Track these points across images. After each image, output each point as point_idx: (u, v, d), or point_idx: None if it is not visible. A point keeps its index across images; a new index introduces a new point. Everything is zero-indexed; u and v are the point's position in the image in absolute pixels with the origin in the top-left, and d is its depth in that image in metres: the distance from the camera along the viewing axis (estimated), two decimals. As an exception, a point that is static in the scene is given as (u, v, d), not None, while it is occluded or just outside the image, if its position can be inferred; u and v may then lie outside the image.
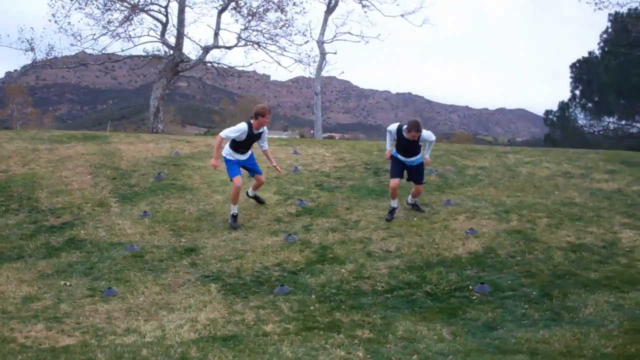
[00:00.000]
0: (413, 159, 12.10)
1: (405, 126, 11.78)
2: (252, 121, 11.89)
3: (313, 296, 9.03)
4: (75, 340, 7.53)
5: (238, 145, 12.03)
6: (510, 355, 6.74)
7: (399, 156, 12.16)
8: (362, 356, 6.84)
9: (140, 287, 9.47)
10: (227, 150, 12.16)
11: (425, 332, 7.60)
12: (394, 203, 12.19)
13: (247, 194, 13.08)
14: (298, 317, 8.24)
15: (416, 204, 12.61)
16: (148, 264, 10.48)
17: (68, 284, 9.69)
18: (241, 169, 12.33)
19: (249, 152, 12.35)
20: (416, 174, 12.24)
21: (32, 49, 30.52)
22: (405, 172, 12.31)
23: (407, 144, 11.92)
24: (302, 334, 7.59)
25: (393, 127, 12.19)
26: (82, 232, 12.06)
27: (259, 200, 13.14)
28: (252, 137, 12.00)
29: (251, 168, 12.51)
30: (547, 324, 7.73)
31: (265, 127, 12.19)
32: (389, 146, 12.31)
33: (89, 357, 6.85)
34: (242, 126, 11.85)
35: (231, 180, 12.14)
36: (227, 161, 12.18)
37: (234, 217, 12.13)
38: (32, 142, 18.29)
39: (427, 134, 11.88)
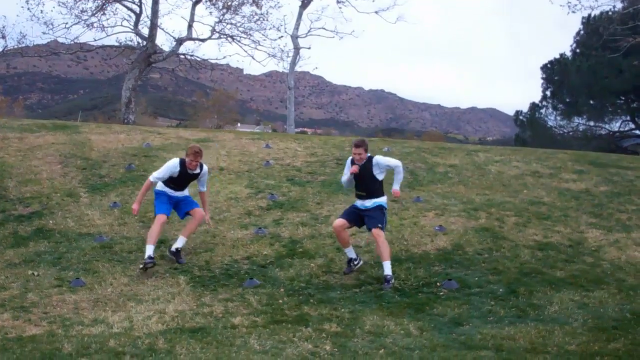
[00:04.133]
0: (370, 202, 9.67)
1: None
2: (186, 158, 10.26)
3: (282, 290, 9.06)
4: (42, 330, 7.49)
5: (170, 182, 10.38)
6: (475, 350, 6.81)
7: (355, 203, 9.92)
8: (329, 350, 6.88)
9: (109, 278, 9.43)
10: (159, 185, 10.47)
11: (392, 326, 7.66)
12: (349, 252, 9.78)
13: (168, 249, 10.56)
14: (266, 310, 8.27)
15: (388, 279, 9.28)
16: (117, 255, 10.44)
17: (36, 273, 9.63)
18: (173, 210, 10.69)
19: (186, 191, 10.71)
20: (370, 217, 9.64)
21: (4, 37, 30.24)
22: (359, 218, 9.83)
23: (361, 177, 9.69)
24: (270, 327, 7.62)
25: (349, 159, 9.89)
26: (51, 222, 11.97)
27: (178, 259, 10.30)
28: (187, 176, 10.43)
29: (185, 208, 10.64)
30: (512, 320, 7.82)
31: (205, 168, 10.62)
32: (343, 179, 10.09)
33: (55, 347, 6.82)
34: (173, 162, 10.31)
35: (155, 215, 10.44)
36: (157, 194, 10.55)
37: (149, 259, 9.81)
38: (2, 130, 18.08)
39: (385, 160, 9.84)
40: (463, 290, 8.92)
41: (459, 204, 12.62)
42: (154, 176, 10.26)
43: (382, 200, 9.72)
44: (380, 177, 9.72)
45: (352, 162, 9.70)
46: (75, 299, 8.59)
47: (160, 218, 10.19)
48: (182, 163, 10.22)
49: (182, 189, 10.54)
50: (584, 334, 7.28)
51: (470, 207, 12.42)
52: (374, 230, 9.43)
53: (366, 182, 9.69)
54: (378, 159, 9.74)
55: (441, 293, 8.88)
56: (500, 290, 8.90)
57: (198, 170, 10.40)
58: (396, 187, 9.77)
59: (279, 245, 10.85)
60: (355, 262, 9.75)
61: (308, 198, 13.20)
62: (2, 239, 11.27)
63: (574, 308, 8.22)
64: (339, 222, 9.66)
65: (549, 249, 10.52)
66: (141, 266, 9.72)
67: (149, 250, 9.88)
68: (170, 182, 10.35)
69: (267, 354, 6.73)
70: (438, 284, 9.18)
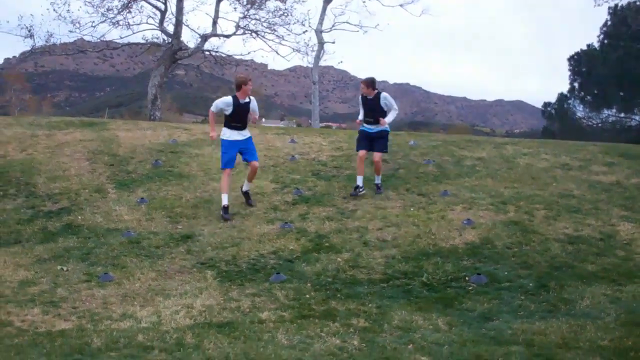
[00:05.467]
0: (378, 127, 12.76)
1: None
2: (236, 93, 11.93)
3: (309, 284, 9.03)
4: (72, 324, 7.53)
5: (231, 120, 11.97)
6: (506, 346, 6.73)
7: (364, 126, 12.96)
8: (357, 345, 6.83)
9: (137, 273, 9.46)
10: (223, 130, 12.11)
11: (421, 322, 7.60)
12: (359, 180, 12.81)
13: (240, 189, 12.79)
14: (294, 305, 8.24)
15: (379, 186, 13.14)
16: (144, 250, 10.48)
17: (65, 269, 9.68)
18: (237, 154, 12.27)
19: (246, 132, 12.22)
20: (378, 142, 12.81)
21: (32, 36, 30.53)
22: (370, 143, 12.88)
23: (370, 107, 12.75)
24: (298, 322, 7.59)
25: (359, 97, 13.12)
26: (80, 217, 12.05)
27: (248, 201, 12.61)
28: (241, 108, 11.94)
29: (247, 153, 12.28)
30: (543, 315, 7.72)
31: (252, 98, 12.18)
32: (360, 116, 13.15)
33: (85, 341, 6.84)
34: (227, 99, 11.99)
35: (222, 169, 12.18)
36: (223, 144, 12.13)
37: (225, 208, 11.90)
38: (31, 128, 18.24)
39: (391, 100, 12.72)
40: (492, 285, 8.82)
41: (487, 198, 12.50)
42: (213, 106, 12.06)
43: (386, 126, 12.80)
44: (385, 108, 12.71)
45: (363, 97, 12.85)
46: (103, 294, 8.63)
47: (226, 172, 12.03)
48: (235, 97, 11.90)
49: (242, 124, 12.12)
50: (617, 329, 7.16)
51: (498, 201, 12.29)
52: (379, 154, 12.85)
53: (375, 111, 12.72)
54: (385, 95, 12.70)
55: (470, 287, 8.79)
56: (531, 284, 8.79)
57: (248, 99, 12.00)
58: (385, 119, 12.65)
59: (305, 239, 10.82)
60: (360, 190, 12.77)
61: (334, 192, 13.16)
62: (32, 234, 11.36)
63: (606, 302, 8.08)
64: (363, 153, 12.80)
65: (580, 242, 10.37)
66: (222, 217, 11.86)
67: (224, 199, 11.96)
68: (231, 120, 11.99)
69: (295, 348, 6.70)
70: (467, 278, 9.09)
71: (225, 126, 12.06)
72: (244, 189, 12.63)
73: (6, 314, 7.81)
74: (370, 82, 12.75)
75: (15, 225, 11.77)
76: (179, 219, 11.92)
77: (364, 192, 12.77)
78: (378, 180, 13.11)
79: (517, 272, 9.22)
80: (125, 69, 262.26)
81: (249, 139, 12.28)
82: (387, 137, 13.03)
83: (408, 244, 10.42)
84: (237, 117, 11.97)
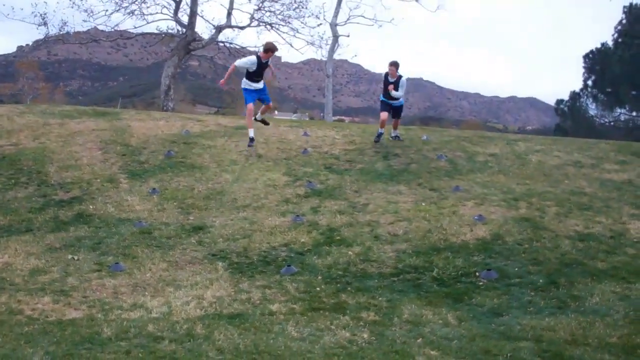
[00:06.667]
0: (395, 101, 15.95)
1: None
2: (260, 54, 14.40)
3: (319, 277, 9.06)
4: (82, 313, 7.58)
5: (252, 75, 14.23)
6: (515, 341, 6.74)
7: (385, 99, 16.01)
8: (367, 338, 6.86)
9: (148, 264, 9.51)
10: (244, 81, 14.45)
11: (430, 316, 7.62)
12: (381, 130, 16.20)
13: (255, 118, 15.28)
14: (304, 297, 8.27)
15: (397, 135, 16.88)
16: (156, 241, 10.52)
17: (76, 258, 9.74)
18: (257, 101, 14.80)
19: (262, 82, 14.60)
20: (396, 111, 16.31)
21: (45, 24, 30.47)
22: (390, 109, 16.08)
23: (389, 86, 15.51)
24: (308, 315, 7.62)
25: (384, 74, 15.94)
26: (91, 207, 12.10)
27: (265, 122, 15.84)
28: (262, 66, 14.25)
29: (263, 98, 14.88)
30: (552, 312, 7.73)
31: (270, 59, 14.42)
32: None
33: (95, 330, 6.90)
34: (252, 58, 14.43)
35: (245, 105, 14.73)
36: (244, 90, 14.54)
37: (251, 139, 14.90)
38: (43, 116, 18.31)
39: (404, 85, 15.72)
40: (502, 281, 8.82)
41: (499, 194, 12.48)
42: (238, 62, 14.53)
43: (402, 100, 16.21)
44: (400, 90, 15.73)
45: (386, 76, 15.73)
46: (114, 284, 8.68)
47: (249, 107, 14.63)
48: (259, 57, 14.23)
49: (260, 77, 14.49)
50: (626, 327, 7.17)
51: (510, 197, 12.27)
52: (397, 120, 16.76)
53: (394, 89, 15.55)
54: (403, 80, 15.62)
55: (480, 283, 8.80)
56: (541, 280, 8.78)
57: (268, 60, 14.34)
58: (394, 92, 15.64)
59: (316, 233, 10.84)
60: (381, 137, 16.27)
61: (346, 186, 13.17)
62: (43, 223, 11.42)
63: (616, 300, 8.08)
64: (384, 114, 15.95)
65: (590, 239, 10.34)
66: (248, 145, 15.11)
67: (251, 132, 14.99)
68: (252, 75, 14.26)
69: (305, 341, 6.73)
70: (477, 273, 9.10)
71: (246, 78, 14.35)
72: (258, 118, 15.51)
73: (17, 302, 7.88)
74: (397, 64, 15.43)
75: (27, 213, 11.83)
76: (190, 210, 11.96)
77: (382, 139, 16.32)
78: (395, 132, 16.85)
79: (527, 269, 9.21)
80: (138, 59, 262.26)
81: (265, 87, 14.79)
82: (402, 108, 16.56)
83: (419, 239, 10.43)
84: (258, 72, 14.26)
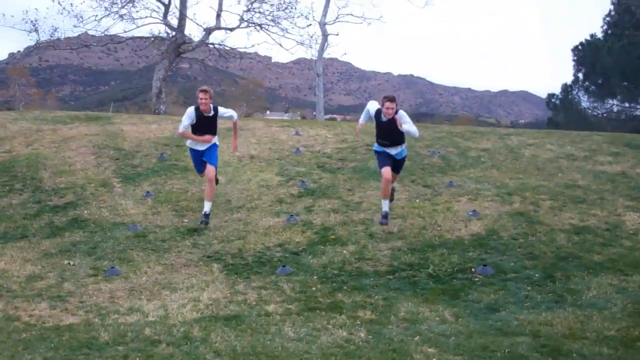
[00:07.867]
0: (395, 149, 10.77)
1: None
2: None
3: (315, 277, 9.05)
4: (79, 319, 7.56)
5: (194, 128, 11.36)
6: (512, 337, 6.75)
7: (383, 148, 10.85)
8: (364, 337, 6.85)
9: (143, 267, 9.49)
10: (188, 141, 11.77)
11: (427, 313, 7.61)
12: (386, 206, 10.72)
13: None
14: (300, 297, 8.26)
15: (393, 187, 11.21)
16: (151, 244, 10.51)
17: (71, 263, 9.72)
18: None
19: (211, 141, 11.51)
20: (398, 165, 11.04)
21: (36, 30, 30.46)
22: (393, 163, 10.83)
23: (387, 130, 10.57)
24: (304, 315, 7.61)
25: (373, 107, 10.88)
26: (86, 212, 12.08)
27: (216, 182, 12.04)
28: (205, 120, 11.26)
29: (205, 158, 11.57)
30: (549, 306, 7.74)
31: (221, 110, 11.48)
32: (362, 121, 11.23)
33: (92, 335, 6.88)
34: (189, 110, 11.34)
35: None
36: (190, 151, 11.85)
37: (205, 215, 11.39)
38: (36, 122, 18.29)
39: (407, 121, 10.41)
40: (498, 276, 8.83)
41: (493, 189, 12.50)
42: (180, 126, 11.41)
43: (405, 147, 10.98)
44: (403, 130, 10.40)
45: (378, 113, 10.59)
46: (110, 288, 8.66)
47: (207, 173, 11.38)
48: (197, 109, 11.20)
49: (205, 133, 11.37)
50: (624, 319, 7.17)
51: (504, 192, 12.29)
52: (396, 175, 11.15)
53: (392, 133, 10.54)
54: (402, 114, 10.43)
55: (476, 279, 8.80)
56: (537, 275, 8.79)
57: (212, 113, 11.31)
58: (405, 126, 10.31)
59: (310, 232, 10.84)
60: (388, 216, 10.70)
61: (339, 185, 13.16)
62: (38, 229, 11.39)
63: (613, 293, 8.09)
64: (388, 171, 10.59)
65: (586, 232, 10.36)
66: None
67: (206, 207, 11.38)
68: (194, 128, 11.32)
69: (302, 341, 6.73)
70: (473, 269, 9.10)
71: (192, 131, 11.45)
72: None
73: (14, 308, 7.86)
74: (395, 100, 10.50)
75: (22, 220, 11.80)
76: (184, 213, 11.94)
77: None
78: (392, 185, 11.22)
79: (523, 263, 9.22)
80: (129, 63, 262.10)
81: (212, 145, 11.61)
82: (404, 160, 11.35)
83: (414, 236, 10.44)
84: (201, 128, 11.41)
